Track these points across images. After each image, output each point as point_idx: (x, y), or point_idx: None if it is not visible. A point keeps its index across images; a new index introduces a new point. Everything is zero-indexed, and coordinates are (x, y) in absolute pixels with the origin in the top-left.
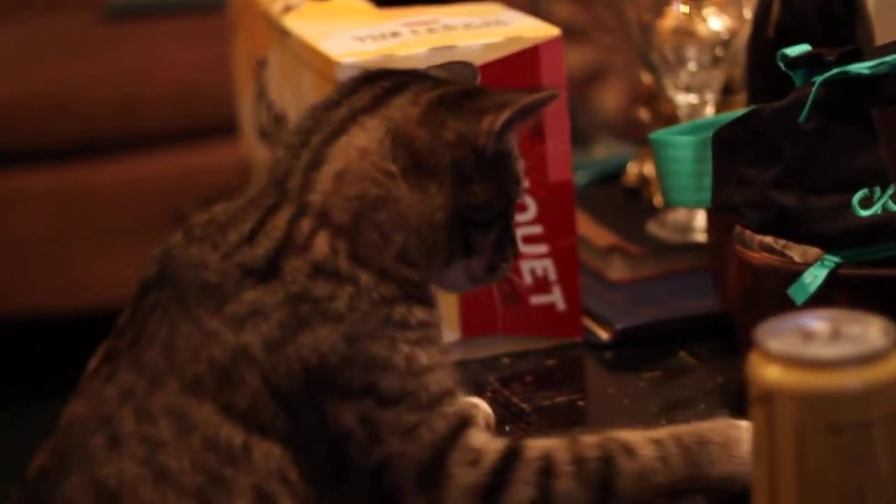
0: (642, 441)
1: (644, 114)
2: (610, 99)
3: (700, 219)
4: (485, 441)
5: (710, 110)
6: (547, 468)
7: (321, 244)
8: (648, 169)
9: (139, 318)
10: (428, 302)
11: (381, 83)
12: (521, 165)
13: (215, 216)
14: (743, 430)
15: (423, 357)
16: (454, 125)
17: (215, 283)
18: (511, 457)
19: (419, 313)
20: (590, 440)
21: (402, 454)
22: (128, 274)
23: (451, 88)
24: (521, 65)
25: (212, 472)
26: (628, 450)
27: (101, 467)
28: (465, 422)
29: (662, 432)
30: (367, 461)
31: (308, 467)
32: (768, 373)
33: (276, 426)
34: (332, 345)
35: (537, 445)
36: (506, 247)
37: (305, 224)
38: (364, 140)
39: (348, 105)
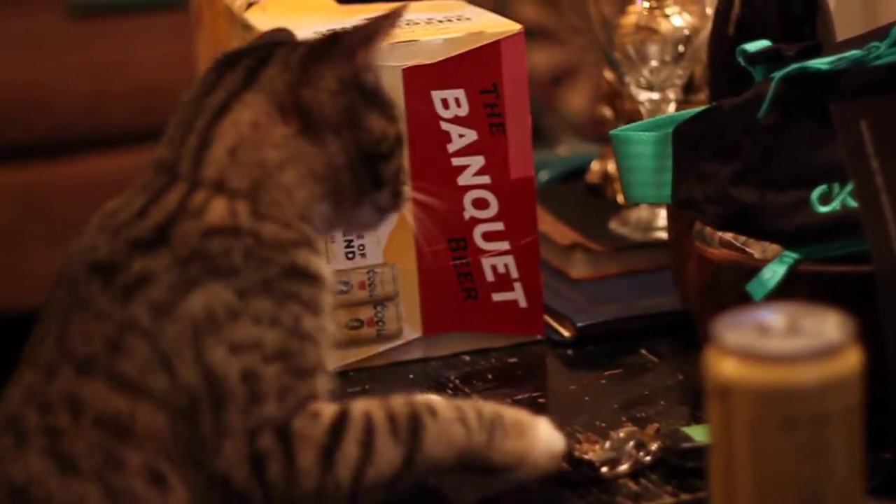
0: (445, 404)
1: (607, 111)
2: (576, 100)
3: (662, 217)
4: (321, 405)
5: (671, 108)
6: (368, 426)
7: (218, 208)
8: (612, 167)
9: (41, 319)
10: (321, 255)
11: (244, 61)
12: (387, 92)
13: (106, 208)
14: (539, 422)
15: (308, 323)
16: (332, 73)
17: (104, 262)
18: (343, 417)
19: (317, 263)
20: (399, 400)
21: (275, 419)
22: None
23: (312, 42)
24: (482, 60)
25: (105, 450)
26: (432, 410)
27: (10, 465)
28: (315, 397)
29: (466, 403)
30: (245, 424)
31: (191, 439)
32: (725, 367)
33: (161, 392)
34: (223, 300)
35: (360, 406)
36: (402, 171)
37: (200, 196)
38: (250, 114)
39: (223, 88)
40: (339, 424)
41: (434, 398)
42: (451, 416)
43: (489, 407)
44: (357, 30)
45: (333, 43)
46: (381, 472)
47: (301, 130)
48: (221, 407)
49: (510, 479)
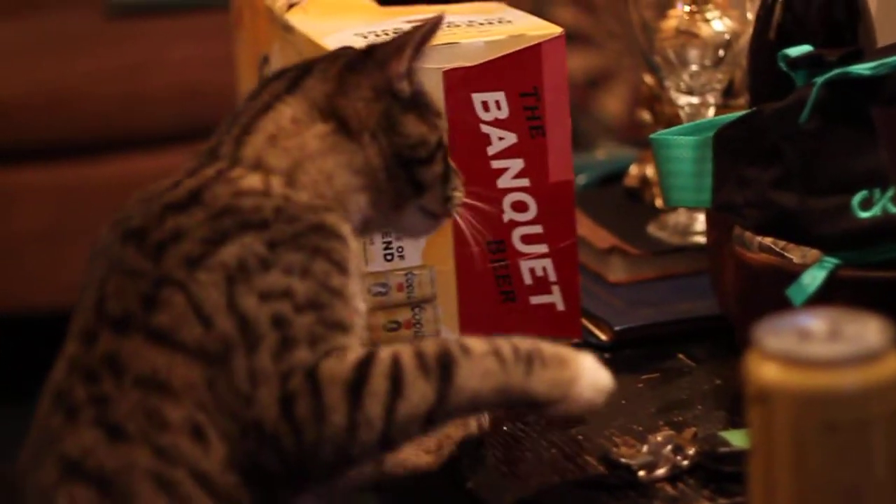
0: (479, 341)
1: (646, 115)
2: (612, 104)
3: (700, 221)
4: (344, 347)
5: (711, 112)
6: (396, 362)
7: (253, 180)
8: (650, 171)
9: (80, 295)
10: (353, 230)
11: (288, 74)
12: (433, 100)
13: (146, 189)
14: (582, 355)
15: (337, 280)
16: (367, 83)
17: (138, 227)
18: (370, 356)
19: (346, 229)
20: (430, 340)
21: (306, 362)
22: None
23: (349, 55)
24: (523, 63)
25: (148, 409)
26: (464, 347)
27: (63, 443)
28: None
29: (502, 339)
30: (277, 368)
31: (226, 389)
32: (766, 371)
33: (195, 343)
34: (254, 251)
35: (388, 349)
36: (451, 176)
37: (237, 171)
38: (291, 112)
39: (267, 92)
40: (367, 361)
41: (469, 339)
42: (484, 351)
43: (527, 342)
44: (390, 42)
45: (368, 55)
46: (414, 407)
47: (338, 130)
48: (254, 353)
49: (557, 412)
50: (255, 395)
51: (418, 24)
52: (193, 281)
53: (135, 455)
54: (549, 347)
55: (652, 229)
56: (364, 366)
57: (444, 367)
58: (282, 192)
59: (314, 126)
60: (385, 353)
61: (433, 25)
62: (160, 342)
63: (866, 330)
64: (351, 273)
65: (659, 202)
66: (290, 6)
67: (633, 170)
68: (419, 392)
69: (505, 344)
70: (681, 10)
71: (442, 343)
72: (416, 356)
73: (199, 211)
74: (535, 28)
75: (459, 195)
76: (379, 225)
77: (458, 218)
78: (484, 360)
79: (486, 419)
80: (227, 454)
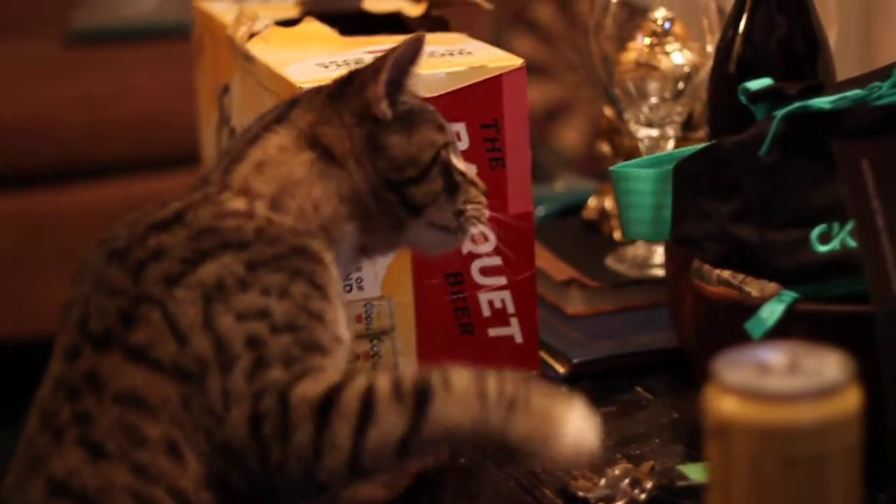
0: (467, 376)
1: (605, 147)
2: (571, 136)
3: (658, 254)
4: (320, 369)
5: (670, 145)
6: (370, 387)
7: (237, 202)
8: (609, 203)
9: (64, 315)
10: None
11: (280, 106)
12: (439, 117)
13: (137, 211)
14: (570, 412)
15: (317, 304)
16: (348, 109)
17: (122, 247)
18: (345, 378)
19: (329, 257)
20: (414, 369)
21: (279, 382)
22: None
23: (334, 84)
24: (483, 94)
25: (127, 426)
26: (447, 381)
27: (50, 462)
28: (324, 371)
29: (494, 375)
30: (251, 388)
31: (201, 408)
32: (725, 405)
33: (171, 360)
34: (231, 270)
35: (367, 374)
36: (462, 188)
37: (224, 195)
38: (279, 140)
39: (259, 124)
40: (341, 384)
41: (459, 369)
42: (466, 386)
43: (519, 385)
44: (369, 65)
45: (349, 81)
46: (385, 434)
47: (322, 158)
48: (228, 373)
49: (535, 464)
50: (227, 415)
51: (396, 45)
52: (171, 298)
53: (114, 473)
54: (539, 395)
55: (610, 262)
56: (337, 388)
57: (420, 398)
58: (265, 214)
59: (300, 154)
60: (362, 378)
61: (412, 44)
62: (138, 359)
63: (825, 364)
64: (332, 299)
65: (617, 234)
66: (251, 36)
67: (592, 202)
68: (391, 420)
69: (493, 382)
70: (640, 43)
71: (425, 373)
72: (394, 383)
73: (181, 230)
74: (496, 59)
75: (476, 207)
76: (384, 246)
77: (482, 230)
78: (464, 397)
79: (444, 451)
80: (201, 472)
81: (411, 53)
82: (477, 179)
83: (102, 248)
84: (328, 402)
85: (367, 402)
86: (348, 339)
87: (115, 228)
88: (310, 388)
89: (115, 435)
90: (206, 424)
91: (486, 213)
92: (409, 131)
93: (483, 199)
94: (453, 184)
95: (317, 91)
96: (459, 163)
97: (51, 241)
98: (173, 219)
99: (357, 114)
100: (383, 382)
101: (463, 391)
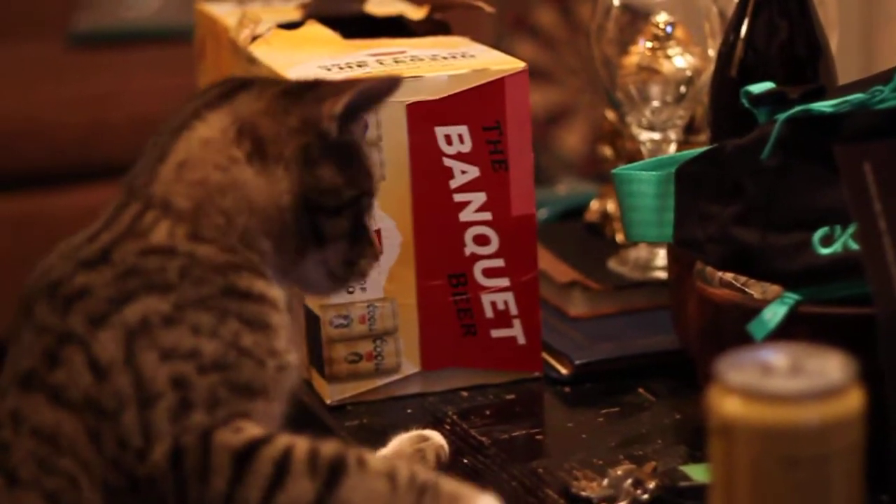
0: (380, 459)
1: (607, 151)
2: (572, 140)
3: (660, 257)
4: (242, 426)
5: (672, 148)
6: (287, 452)
7: (160, 231)
8: (611, 206)
9: (7, 348)
10: (269, 279)
11: (229, 83)
12: (373, 160)
13: (72, 238)
14: (480, 499)
15: (248, 339)
16: (297, 111)
17: (54, 282)
18: (265, 438)
19: (261, 285)
20: (332, 443)
21: (201, 425)
22: None
23: (295, 83)
24: (486, 97)
25: (41, 459)
26: (361, 459)
27: None
28: (248, 416)
29: (405, 464)
30: (173, 429)
31: (110, 440)
32: (728, 405)
33: (84, 395)
34: (158, 310)
35: (288, 436)
36: (363, 243)
37: (150, 216)
38: (206, 132)
39: (194, 104)
40: (259, 442)
41: (369, 454)
42: (379, 470)
43: (431, 474)
44: (337, 82)
45: (310, 87)
46: (291, 502)
47: (250, 156)
48: (149, 409)
49: None
50: (148, 450)
51: (373, 76)
52: (94, 339)
53: (27, 499)
54: (449, 485)
55: (613, 264)
56: (256, 445)
57: (333, 472)
58: (187, 250)
59: (223, 151)
60: (282, 439)
61: (387, 82)
62: (55, 400)
63: (827, 365)
64: (268, 327)
65: (620, 237)
66: (254, 38)
67: (594, 205)
68: (300, 489)
69: (405, 469)
70: (643, 47)
71: (341, 449)
72: (310, 453)
73: (107, 270)
74: (499, 62)
75: (366, 267)
76: (287, 274)
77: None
78: (376, 479)
79: (445, 451)
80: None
81: (383, 90)
82: (376, 241)
83: (40, 280)
84: (246, 456)
85: (281, 466)
86: (294, 362)
87: (52, 258)
88: (231, 439)
89: (31, 465)
90: (118, 458)
91: (370, 273)
92: (343, 163)
93: (376, 262)
94: (359, 233)
95: (272, 83)
96: (370, 220)
97: (47, 244)
98: (101, 257)
99: (305, 120)
100: (301, 449)
101: (375, 473)
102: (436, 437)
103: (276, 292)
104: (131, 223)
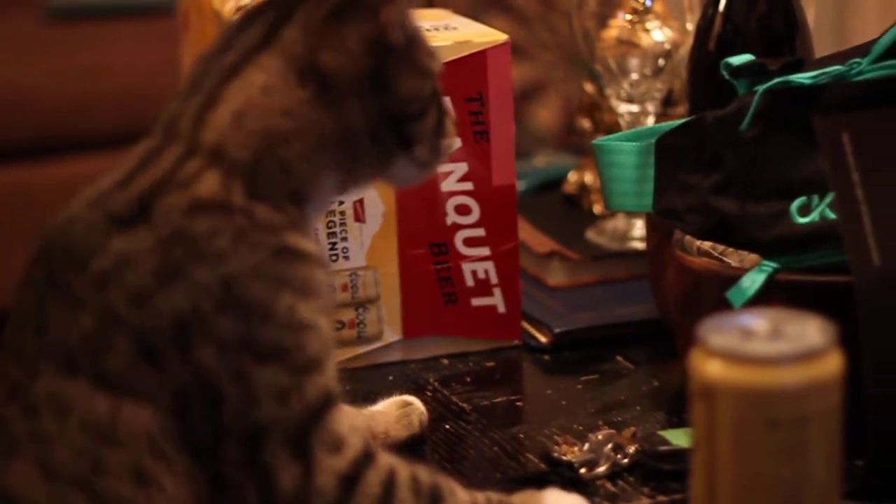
0: (461, 489)
1: (586, 123)
2: (544, 115)
3: (638, 227)
4: (346, 430)
5: (650, 120)
6: (392, 474)
7: (210, 181)
8: (588, 178)
9: (19, 303)
10: (309, 236)
11: (266, 17)
12: (427, 39)
13: (96, 184)
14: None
15: (304, 310)
16: (354, 32)
17: (80, 240)
18: (368, 457)
19: (305, 243)
20: (423, 469)
21: (276, 421)
22: None
23: (331, 1)
24: (468, 69)
25: (91, 455)
26: (451, 490)
27: (2, 476)
28: (331, 398)
29: (482, 496)
30: (243, 425)
31: (185, 436)
32: (710, 368)
33: (146, 388)
34: (207, 290)
35: (385, 455)
36: (444, 122)
37: (194, 163)
38: (263, 78)
39: (238, 47)
40: (363, 463)
41: (453, 482)
42: (466, 500)
43: (502, 497)
44: None
45: (358, 2)
46: None
47: (318, 95)
48: (216, 408)
49: None
50: (224, 452)
51: None
52: (140, 324)
53: (72, 498)
54: (518, 499)
55: (591, 235)
56: (360, 467)
57: (433, 499)
58: (243, 206)
59: (289, 95)
60: (383, 461)
61: None
62: (107, 388)
63: (807, 329)
64: (320, 292)
65: (598, 208)
66: (238, 10)
67: (572, 177)
68: None
69: (482, 497)
70: (622, 20)
71: (435, 476)
72: (412, 477)
73: (147, 233)
74: (481, 35)
75: (450, 143)
76: (361, 183)
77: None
78: None
79: (425, 417)
80: (184, 496)
81: None
82: (451, 110)
83: (60, 237)
84: (353, 479)
85: (388, 489)
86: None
87: (72, 210)
88: (336, 461)
89: (79, 461)
90: (195, 454)
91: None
92: (413, 62)
93: (455, 131)
94: (440, 118)
95: (313, 7)
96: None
97: (31, 216)
98: (137, 212)
99: (366, 40)
100: (402, 473)
101: (463, 500)
102: (417, 403)
103: (316, 248)
104: (172, 169)
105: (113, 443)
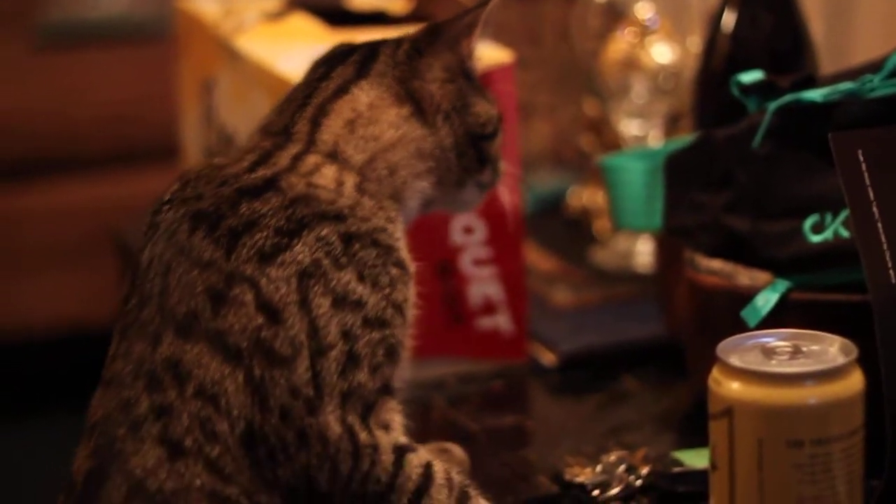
0: (484, 501)
1: (587, 142)
2: (535, 134)
3: (641, 247)
4: (393, 418)
5: (655, 139)
6: (430, 464)
7: (328, 174)
8: (588, 199)
9: (138, 282)
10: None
11: (353, 58)
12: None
13: (212, 163)
14: None
15: (399, 294)
16: (438, 63)
17: (209, 210)
18: (408, 447)
19: (403, 243)
20: (455, 469)
21: (363, 387)
22: (61, 298)
23: (415, 37)
24: None
25: (203, 422)
26: (477, 495)
27: (129, 459)
28: (390, 386)
29: None
30: (341, 385)
31: (285, 391)
32: (730, 387)
33: (253, 340)
34: (329, 244)
35: (421, 447)
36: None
37: (313, 159)
38: (367, 98)
39: (336, 77)
40: (406, 447)
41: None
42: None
43: None
44: (457, 19)
45: (437, 35)
46: None
47: (414, 115)
48: (321, 358)
49: None
50: (321, 406)
51: (472, 9)
52: (265, 277)
53: (192, 472)
54: None
55: (595, 255)
56: (404, 449)
57: (463, 495)
58: (352, 197)
59: (391, 110)
60: (422, 451)
61: (485, 2)
62: (220, 347)
63: (828, 348)
64: (409, 277)
65: (599, 228)
66: (238, 30)
67: (573, 200)
68: (441, 499)
69: None
70: (625, 38)
71: (465, 478)
72: (446, 471)
73: (274, 197)
74: (486, 55)
75: (504, 163)
76: (438, 204)
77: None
78: None
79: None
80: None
81: (485, 9)
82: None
83: (183, 206)
84: (399, 457)
85: (427, 474)
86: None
87: (192, 183)
88: (385, 437)
89: (194, 431)
90: (289, 408)
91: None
92: (483, 89)
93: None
94: (501, 141)
95: (395, 44)
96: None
97: (19, 241)
98: (265, 185)
99: (449, 69)
100: (439, 465)
101: None
102: (457, 450)
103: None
104: (292, 162)
105: (220, 409)
